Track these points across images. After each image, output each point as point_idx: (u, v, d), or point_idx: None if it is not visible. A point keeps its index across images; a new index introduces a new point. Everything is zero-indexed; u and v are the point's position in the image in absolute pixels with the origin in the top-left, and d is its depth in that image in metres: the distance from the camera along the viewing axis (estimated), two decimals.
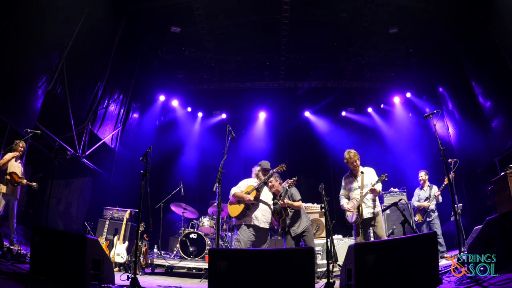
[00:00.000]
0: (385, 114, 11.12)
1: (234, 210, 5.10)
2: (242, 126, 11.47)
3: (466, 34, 7.68)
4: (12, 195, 5.86)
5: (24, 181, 5.98)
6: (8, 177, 5.75)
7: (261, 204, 5.15)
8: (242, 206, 5.07)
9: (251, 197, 5.09)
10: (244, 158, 11.11)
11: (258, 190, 5.16)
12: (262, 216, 5.12)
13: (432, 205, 6.85)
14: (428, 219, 6.87)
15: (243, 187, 5.28)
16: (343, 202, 5.27)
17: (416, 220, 7.00)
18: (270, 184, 5.34)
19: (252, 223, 5.02)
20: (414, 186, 7.87)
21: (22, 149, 5.98)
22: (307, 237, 5.48)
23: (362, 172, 5.16)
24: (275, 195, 5.45)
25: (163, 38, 9.68)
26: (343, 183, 5.40)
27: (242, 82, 11.10)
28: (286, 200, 5.40)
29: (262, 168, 5.34)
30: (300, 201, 5.54)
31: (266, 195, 5.33)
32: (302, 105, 11.37)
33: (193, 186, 10.91)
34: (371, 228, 5.10)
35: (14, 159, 5.84)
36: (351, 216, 5.14)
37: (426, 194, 6.97)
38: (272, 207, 5.28)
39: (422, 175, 7.17)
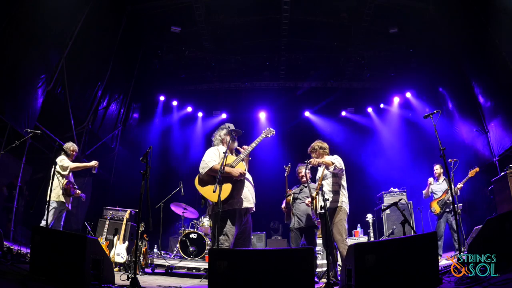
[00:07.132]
0: (385, 114, 11.12)
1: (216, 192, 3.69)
2: (242, 126, 11.25)
3: (466, 34, 7.67)
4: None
5: (78, 191, 5.86)
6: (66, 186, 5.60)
7: (246, 180, 4.01)
8: (229, 185, 3.82)
9: (242, 170, 3.83)
10: None
11: (244, 160, 4.03)
12: (250, 195, 4.00)
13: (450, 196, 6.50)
14: (447, 210, 6.55)
15: (217, 158, 3.98)
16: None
17: (433, 211, 6.73)
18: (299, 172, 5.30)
19: (243, 206, 3.86)
20: (414, 186, 7.84)
21: (74, 152, 5.94)
22: (310, 239, 5.44)
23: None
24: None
25: (163, 38, 9.69)
26: None
27: (242, 82, 11.10)
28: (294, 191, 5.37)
29: (234, 130, 4.27)
30: (307, 199, 5.27)
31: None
32: (302, 105, 11.37)
33: (193, 186, 10.89)
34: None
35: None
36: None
37: (443, 187, 6.73)
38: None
39: (438, 168, 7.00)
